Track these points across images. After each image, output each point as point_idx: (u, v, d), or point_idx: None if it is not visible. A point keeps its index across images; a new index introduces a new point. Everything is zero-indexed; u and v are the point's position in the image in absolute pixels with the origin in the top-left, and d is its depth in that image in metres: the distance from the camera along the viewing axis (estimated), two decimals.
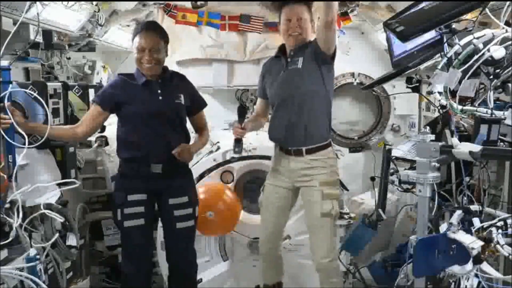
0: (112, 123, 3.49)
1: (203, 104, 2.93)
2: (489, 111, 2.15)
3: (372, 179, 3.39)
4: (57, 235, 2.36)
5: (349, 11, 3.77)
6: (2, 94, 2.14)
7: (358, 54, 4.59)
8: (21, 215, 2.09)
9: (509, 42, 2.08)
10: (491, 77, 2.14)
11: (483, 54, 2.09)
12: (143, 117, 2.67)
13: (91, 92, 3.07)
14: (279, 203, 2.96)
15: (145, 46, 2.63)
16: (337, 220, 3.01)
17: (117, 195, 2.75)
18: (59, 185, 2.49)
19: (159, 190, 2.76)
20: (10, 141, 2.15)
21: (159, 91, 2.71)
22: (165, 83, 2.75)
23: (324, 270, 2.85)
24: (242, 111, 2.94)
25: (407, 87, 3.14)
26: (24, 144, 2.19)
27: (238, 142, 2.86)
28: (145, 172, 2.69)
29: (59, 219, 2.29)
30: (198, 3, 3.68)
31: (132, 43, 2.70)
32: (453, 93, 2.27)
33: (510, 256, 2.03)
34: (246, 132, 2.86)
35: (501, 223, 2.08)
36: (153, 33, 2.67)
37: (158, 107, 2.69)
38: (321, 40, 2.70)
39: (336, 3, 2.58)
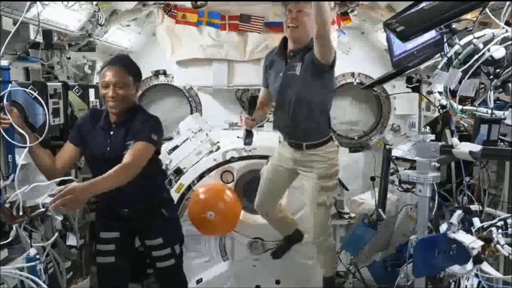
0: None
1: (138, 137, 2.45)
2: (489, 111, 2.14)
3: (372, 179, 3.39)
4: (56, 234, 2.36)
5: (349, 11, 3.78)
6: (2, 94, 2.14)
7: (358, 54, 4.59)
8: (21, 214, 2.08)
9: (509, 42, 2.08)
10: (491, 77, 2.14)
11: (483, 54, 2.09)
12: (97, 161, 2.53)
13: (91, 92, 3.07)
14: (278, 180, 3.16)
15: (108, 81, 2.45)
16: (331, 205, 3.17)
17: (94, 229, 2.73)
18: (59, 184, 2.48)
19: (134, 231, 2.70)
20: (11, 140, 2.14)
21: (108, 140, 2.52)
22: (120, 127, 2.53)
23: (317, 246, 3.16)
24: (252, 102, 3.04)
25: (407, 87, 3.14)
26: (24, 143, 2.19)
27: (249, 133, 2.90)
28: (115, 213, 2.63)
29: (58, 217, 2.29)
30: (198, 3, 3.68)
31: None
32: (453, 93, 2.27)
33: (510, 256, 2.03)
34: (255, 124, 2.94)
35: (501, 223, 2.07)
36: (119, 67, 2.48)
37: (107, 152, 2.50)
38: (317, 51, 2.71)
39: (328, 15, 2.56)
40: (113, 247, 2.63)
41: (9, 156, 2.17)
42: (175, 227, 2.81)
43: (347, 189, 3.68)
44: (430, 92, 2.84)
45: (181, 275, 2.88)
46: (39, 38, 2.73)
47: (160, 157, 2.81)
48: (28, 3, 2.36)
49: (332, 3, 3.52)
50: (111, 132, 2.53)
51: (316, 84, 2.83)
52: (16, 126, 2.18)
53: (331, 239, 3.22)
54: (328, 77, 2.88)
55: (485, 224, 2.11)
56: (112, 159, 2.40)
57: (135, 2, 3.61)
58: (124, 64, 2.54)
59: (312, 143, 2.91)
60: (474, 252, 1.91)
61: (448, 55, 2.21)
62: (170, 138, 4.09)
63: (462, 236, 1.98)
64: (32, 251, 2.07)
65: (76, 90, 2.90)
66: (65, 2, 2.79)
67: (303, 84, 2.83)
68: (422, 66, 2.93)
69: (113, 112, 2.52)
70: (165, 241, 2.67)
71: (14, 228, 2.04)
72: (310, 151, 2.92)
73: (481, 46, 2.10)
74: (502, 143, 2.22)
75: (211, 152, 3.62)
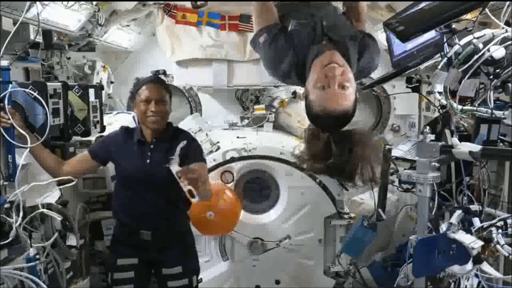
0: (112, 123, 3.49)
1: (196, 159, 2.48)
2: (489, 111, 2.15)
3: None
4: (56, 234, 2.36)
5: None
6: (2, 94, 2.14)
7: None
8: (21, 214, 2.08)
9: (509, 42, 2.08)
10: (491, 77, 2.14)
11: (483, 54, 2.09)
12: (131, 180, 2.53)
13: (91, 92, 3.06)
14: None
15: (151, 97, 2.49)
16: None
17: (109, 258, 2.67)
18: (59, 184, 2.48)
19: (152, 258, 2.59)
20: (11, 140, 2.14)
21: (149, 154, 2.52)
22: (159, 145, 2.53)
23: None
24: None
25: (407, 87, 3.14)
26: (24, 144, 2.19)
27: None
28: (136, 238, 2.55)
29: (58, 217, 2.29)
30: (198, 3, 3.67)
31: (135, 98, 2.56)
32: (453, 93, 2.27)
33: (510, 256, 2.03)
34: None
35: (501, 223, 2.08)
36: (159, 85, 2.56)
37: (145, 171, 2.50)
38: None
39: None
40: (132, 275, 2.55)
41: (9, 156, 2.17)
42: (194, 257, 2.73)
43: (347, 189, 3.67)
44: (430, 92, 2.85)
45: None
46: (39, 38, 2.72)
47: None
48: (28, 3, 2.36)
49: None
50: (151, 147, 2.53)
51: None
52: (17, 127, 2.18)
53: None
54: None
55: (485, 224, 2.12)
56: (153, 177, 2.45)
57: (135, 2, 3.61)
58: (161, 82, 2.63)
59: None
60: (474, 252, 1.92)
61: (448, 55, 2.21)
62: None
63: (462, 236, 1.98)
64: (32, 251, 2.07)
65: (76, 90, 2.90)
66: (65, 2, 2.79)
67: None
68: (422, 66, 2.94)
69: (154, 127, 2.51)
70: (184, 270, 2.58)
71: (14, 228, 2.04)
72: None
73: (481, 46, 2.10)
74: (502, 143, 2.22)
75: (211, 152, 3.62)
